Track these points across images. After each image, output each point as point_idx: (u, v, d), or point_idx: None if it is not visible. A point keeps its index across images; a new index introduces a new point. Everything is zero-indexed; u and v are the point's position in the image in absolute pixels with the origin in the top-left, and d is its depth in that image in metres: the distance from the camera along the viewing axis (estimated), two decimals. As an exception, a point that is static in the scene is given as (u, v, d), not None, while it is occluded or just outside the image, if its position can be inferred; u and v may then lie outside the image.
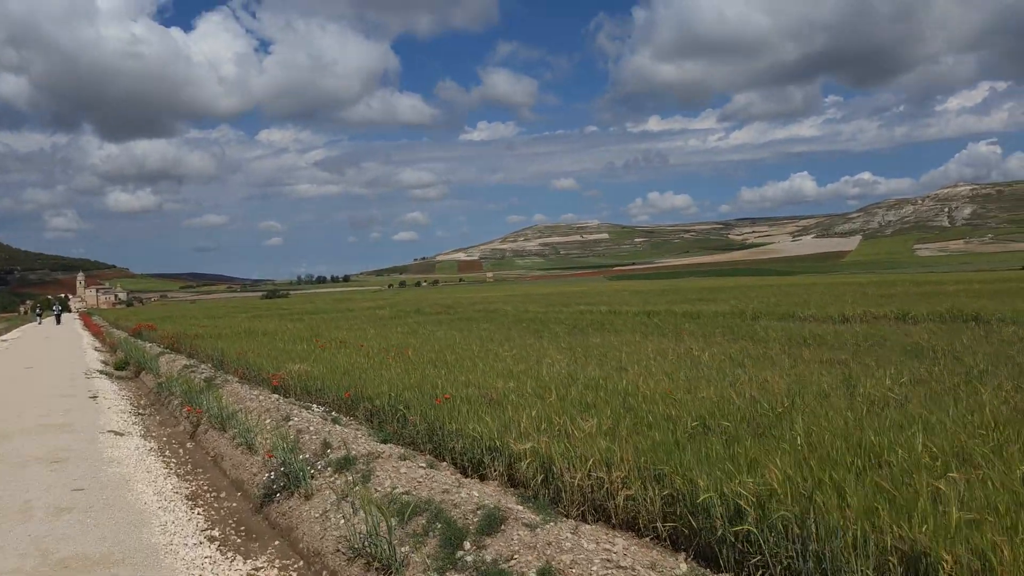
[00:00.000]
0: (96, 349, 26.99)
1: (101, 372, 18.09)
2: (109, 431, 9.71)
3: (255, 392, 10.28)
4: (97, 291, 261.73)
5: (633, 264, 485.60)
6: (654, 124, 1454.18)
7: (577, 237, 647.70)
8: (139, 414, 11.78)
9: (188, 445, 9.35)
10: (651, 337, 15.61)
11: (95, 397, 13.09)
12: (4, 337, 40.31)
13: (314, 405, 9.62)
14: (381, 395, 8.56)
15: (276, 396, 9.93)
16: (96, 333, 37.13)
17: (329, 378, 10.62)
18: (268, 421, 8.33)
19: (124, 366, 19.20)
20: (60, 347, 29.29)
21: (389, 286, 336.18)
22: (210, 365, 15.50)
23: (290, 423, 7.85)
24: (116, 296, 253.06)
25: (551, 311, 26.55)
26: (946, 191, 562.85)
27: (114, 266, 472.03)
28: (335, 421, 8.20)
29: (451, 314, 30.44)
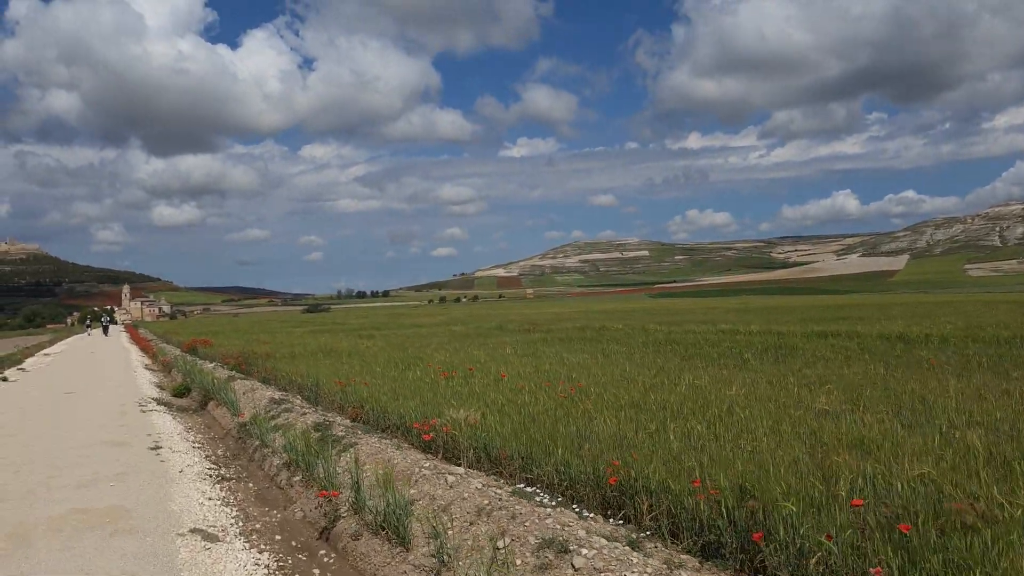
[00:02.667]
0: (147, 368, 23.48)
1: (158, 401, 14.39)
2: (192, 530, 5.83)
3: (423, 461, 6.33)
4: (142, 303, 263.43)
5: (674, 282, 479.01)
6: (694, 141, 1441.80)
7: (617, 254, 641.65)
8: (222, 478, 7.94)
9: (325, 557, 5.46)
10: (894, 369, 11.43)
11: (157, 448, 9.26)
12: (47, 351, 37.26)
13: (529, 489, 5.68)
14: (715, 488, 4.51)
15: (464, 472, 5.97)
16: (145, 348, 33.85)
17: (528, 438, 6.64)
18: (506, 541, 4.34)
19: (185, 392, 15.54)
20: (107, 364, 25.88)
21: (429, 301, 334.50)
22: (301, 398, 11.71)
23: (576, 562, 3.86)
24: (160, 309, 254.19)
25: (678, 331, 22.36)
26: (997, 210, 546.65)
27: (158, 279, 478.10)
28: (633, 546, 4.23)
29: (545, 332, 26.39)
